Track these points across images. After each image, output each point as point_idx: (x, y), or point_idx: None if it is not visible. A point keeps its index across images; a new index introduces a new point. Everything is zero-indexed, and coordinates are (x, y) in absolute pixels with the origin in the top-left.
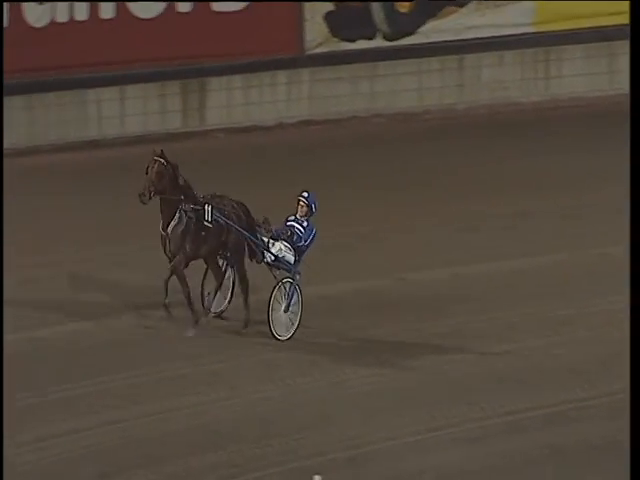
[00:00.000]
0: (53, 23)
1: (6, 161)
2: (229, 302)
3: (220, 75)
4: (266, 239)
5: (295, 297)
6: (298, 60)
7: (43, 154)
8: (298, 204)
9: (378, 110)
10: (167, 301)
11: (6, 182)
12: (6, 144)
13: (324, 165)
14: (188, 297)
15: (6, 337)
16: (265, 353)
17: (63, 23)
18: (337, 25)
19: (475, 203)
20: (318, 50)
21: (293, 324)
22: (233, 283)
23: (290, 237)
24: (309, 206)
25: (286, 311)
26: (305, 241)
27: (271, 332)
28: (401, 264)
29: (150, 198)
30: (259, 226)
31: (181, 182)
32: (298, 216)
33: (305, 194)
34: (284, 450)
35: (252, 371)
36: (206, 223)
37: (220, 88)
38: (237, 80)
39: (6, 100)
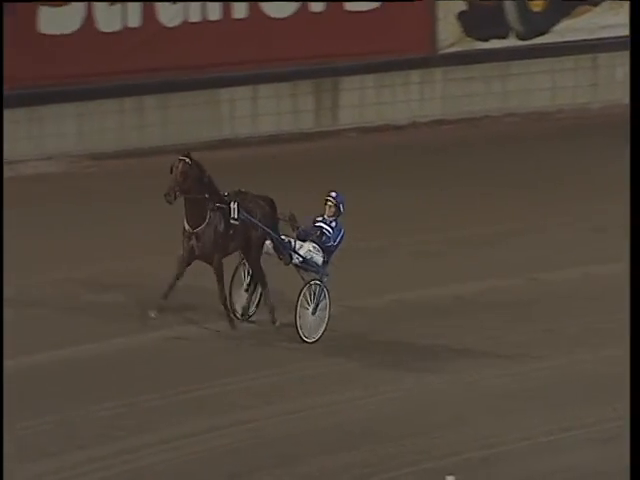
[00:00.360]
0: (186, 23)
1: (138, 161)
2: (257, 305)
3: (353, 74)
4: (292, 240)
5: (323, 299)
6: (431, 59)
7: (176, 154)
8: (326, 204)
9: (511, 109)
10: (163, 301)
11: (142, 182)
12: (140, 144)
13: (456, 164)
14: (225, 298)
15: (138, 337)
16: (396, 354)
17: (196, 23)
18: (470, 24)
19: (607, 202)
20: (451, 49)
21: (321, 327)
22: (255, 283)
23: (319, 238)
24: (337, 206)
25: (314, 313)
26: (334, 242)
27: (298, 334)
28: (533, 263)
29: (175, 198)
30: (285, 221)
31: (206, 181)
32: (326, 216)
33: (333, 194)
34: (418, 450)
35: (383, 371)
36: (232, 221)
37: (353, 87)
38: (370, 79)
39: (140, 100)
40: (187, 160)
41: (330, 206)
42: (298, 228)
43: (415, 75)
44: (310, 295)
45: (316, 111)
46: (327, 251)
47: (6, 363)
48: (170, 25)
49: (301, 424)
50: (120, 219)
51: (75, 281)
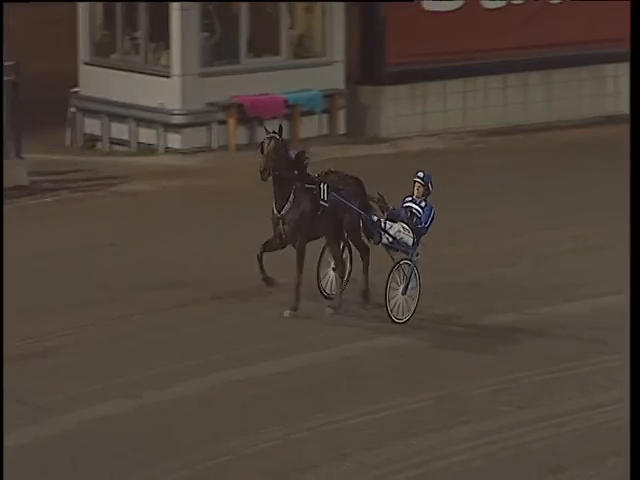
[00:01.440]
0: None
1: (523, 137)
2: (345, 284)
3: None
4: (382, 219)
5: (413, 279)
6: None
7: (559, 130)
8: (414, 185)
9: None
10: (264, 276)
11: (527, 157)
12: (524, 120)
13: None
14: (300, 282)
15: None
16: None
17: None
18: None
19: None
20: None
21: (411, 307)
22: (350, 263)
23: (410, 218)
24: (425, 186)
25: (404, 294)
26: (424, 223)
27: (388, 315)
28: None
29: (269, 175)
30: (374, 202)
31: (293, 158)
32: (415, 197)
33: (421, 174)
34: None
35: None
36: (322, 202)
37: None
38: None
39: (524, 76)
40: (278, 137)
41: (419, 187)
42: (388, 209)
43: None
44: (400, 275)
45: None
46: (417, 232)
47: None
48: (553, 1)
49: None
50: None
51: None
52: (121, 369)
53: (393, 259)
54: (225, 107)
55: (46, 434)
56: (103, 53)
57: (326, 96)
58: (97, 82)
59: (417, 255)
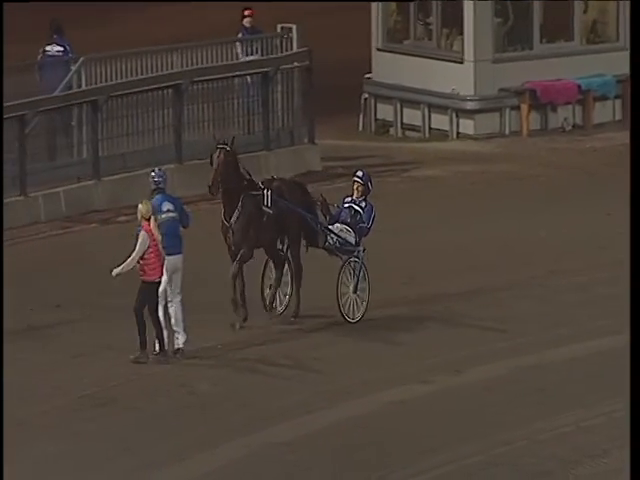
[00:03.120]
0: None
1: None
2: (290, 297)
3: None
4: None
5: (362, 276)
6: None
7: None
8: (353, 185)
9: None
10: (235, 297)
11: None
12: None
13: None
14: (242, 293)
15: None
16: None
17: None
18: None
19: None
20: None
21: (362, 304)
22: (291, 275)
23: (353, 217)
24: (365, 185)
25: (355, 292)
26: (366, 223)
27: (341, 314)
28: None
29: (218, 189)
30: (317, 205)
31: (241, 170)
32: (355, 197)
33: (360, 173)
34: None
35: None
36: (265, 208)
37: None
38: None
39: None
40: (227, 148)
41: (358, 186)
42: (329, 213)
43: None
44: (350, 273)
45: None
46: (359, 232)
47: None
48: None
49: None
50: None
51: None
52: (415, 355)
53: (341, 258)
54: (518, 93)
55: (345, 416)
56: (396, 39)
57: (619, 81)
58: (390, 68)
59: (364, 251)
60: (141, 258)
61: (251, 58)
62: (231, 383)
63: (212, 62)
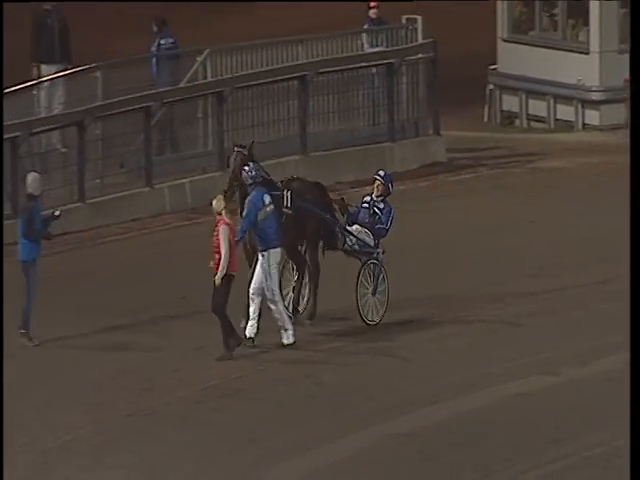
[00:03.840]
0: None
1: None
2: (307, 300)
3: None
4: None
5: (381, 278)
6: None
7: None
8: (374, 183)
9: None
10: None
11: None
12: None
13: None
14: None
15: None
16: None
17: None
18: None
19: None
20: None
21: (381, 307)
22: (308, 277)
23: (372, 217)
24: (385, 185)
25: (374, 294)
26: (384, 224)
27: (360, 317)
28: None
29: (234, 194)
30: (335, 204)
31: (261, 172)
32: (374, 196)
33: (381, 172)
34: None
35: None
36: (285, 210)
37: None
38: None
39: None
40: (243, 151)
41: (378, 185)
42: (347, 212)
43: None
44: (369, 275)
45: None
46: (377, 233)
47: None
48: None
49: None
50: None
51: None
52: (539, 345)
53: (360, 259)
54: None
55: (466, 409)
56: (521, 30)
57: None
58: (515, 59)
59: (383, 254)
60: (217, 252)
61: (376, 49)
62: (355, 374)
63: (337, 53)
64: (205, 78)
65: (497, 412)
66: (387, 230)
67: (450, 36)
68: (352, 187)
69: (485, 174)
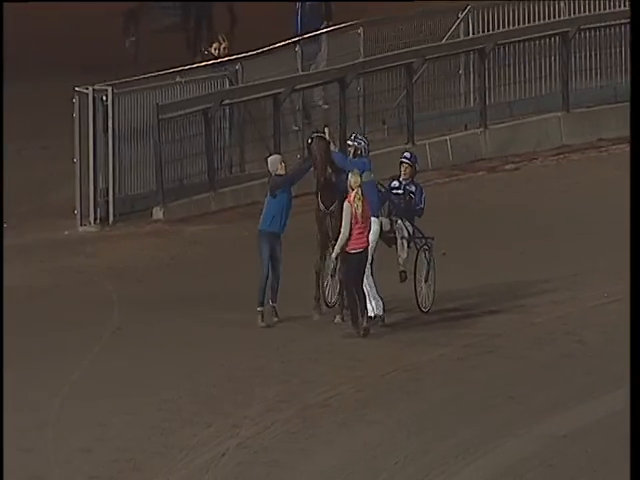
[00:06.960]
0: None
1: None
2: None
3: None
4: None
5: (432, 265)
6: None
7: None
8: (401, 166)
9: None
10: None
11: None
12: None
13: None
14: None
15: None
16: None
17: None
18: None
19: None
20: None
21: (431, 295)
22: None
23: (409, 201)
24: (412, 166)
25: (426, 281)
26: (421, 204)
27: (417, 305)
28: None
29: (325, 180)
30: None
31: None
32: (402, 179)
33: (407, 154)
34: None
35: None
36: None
37: None
38: None
39: None
40: (325, 137)
41: (406, 167)
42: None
43: None
44: (422, 263)
45: None
46: (416, 214)
47: None
48: None
49: None
50: None
51: None
52: None
53: (416, 247)
54: None
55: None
56: None
57: None
58: None
59: (433, 239)
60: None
61: None
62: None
63: (600, 10)
64: (467, 35)
65: None
66: (423, 209)
67: None
68: (613, 144)
69: None
